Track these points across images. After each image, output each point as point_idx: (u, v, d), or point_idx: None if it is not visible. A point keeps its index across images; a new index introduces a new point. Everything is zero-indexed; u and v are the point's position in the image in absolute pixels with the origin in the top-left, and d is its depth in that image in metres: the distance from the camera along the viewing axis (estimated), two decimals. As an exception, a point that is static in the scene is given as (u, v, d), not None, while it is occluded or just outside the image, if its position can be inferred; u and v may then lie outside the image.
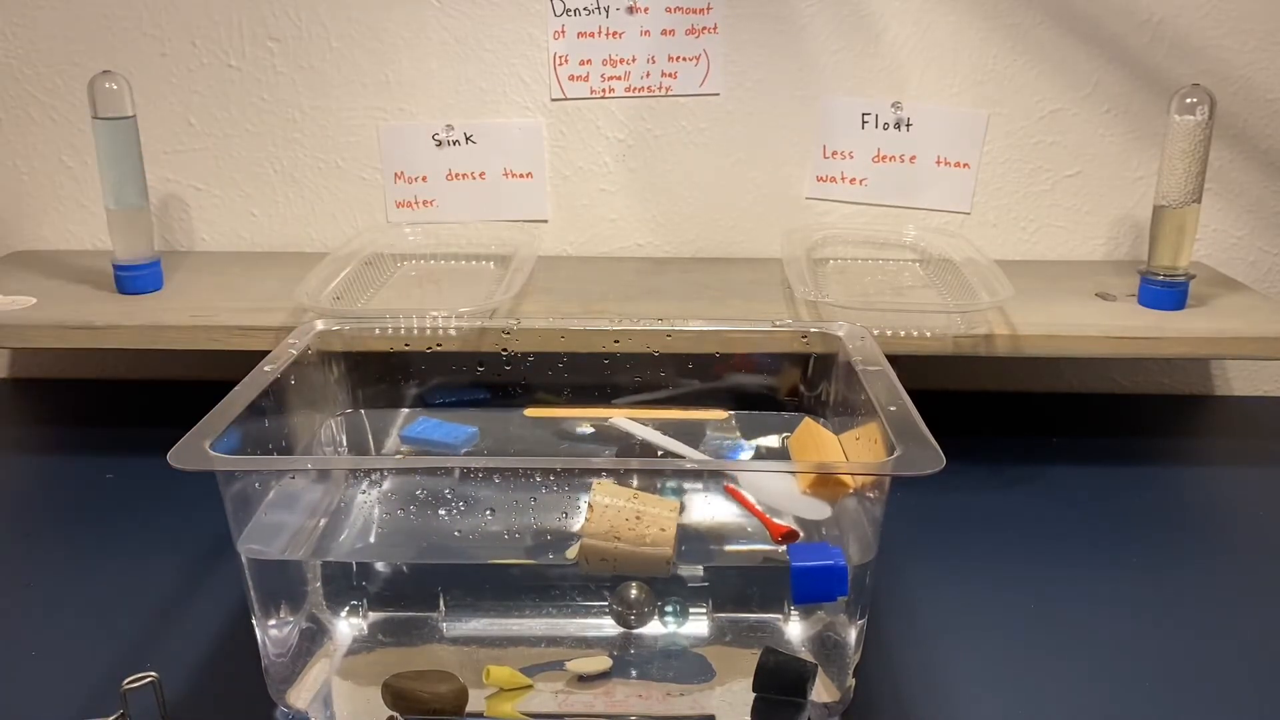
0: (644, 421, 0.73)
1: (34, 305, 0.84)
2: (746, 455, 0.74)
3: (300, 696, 0.57)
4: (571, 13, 0.96)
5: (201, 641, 0.62)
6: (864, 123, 0.99)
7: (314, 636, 0.58)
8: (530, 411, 0.75)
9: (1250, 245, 1.01)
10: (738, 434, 0.75)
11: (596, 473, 0.59)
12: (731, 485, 0.64)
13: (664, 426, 0.73)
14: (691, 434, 0.74)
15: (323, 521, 0.62)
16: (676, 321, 0.74)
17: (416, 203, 1.02)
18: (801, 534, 0.61)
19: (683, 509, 0.59)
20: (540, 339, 0.73)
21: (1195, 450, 0.94)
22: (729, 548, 0.63)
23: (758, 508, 0.62)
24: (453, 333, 0.74)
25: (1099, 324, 0.82)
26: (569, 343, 0.73)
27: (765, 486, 0.64)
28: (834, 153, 1.00)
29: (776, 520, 0.62)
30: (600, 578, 0.56)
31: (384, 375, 0.75)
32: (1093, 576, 0.70)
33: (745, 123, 0.99)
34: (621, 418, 0.74)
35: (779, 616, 0.59)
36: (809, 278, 0.85)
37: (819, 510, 0.62)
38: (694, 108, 0.99)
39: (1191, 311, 0.85)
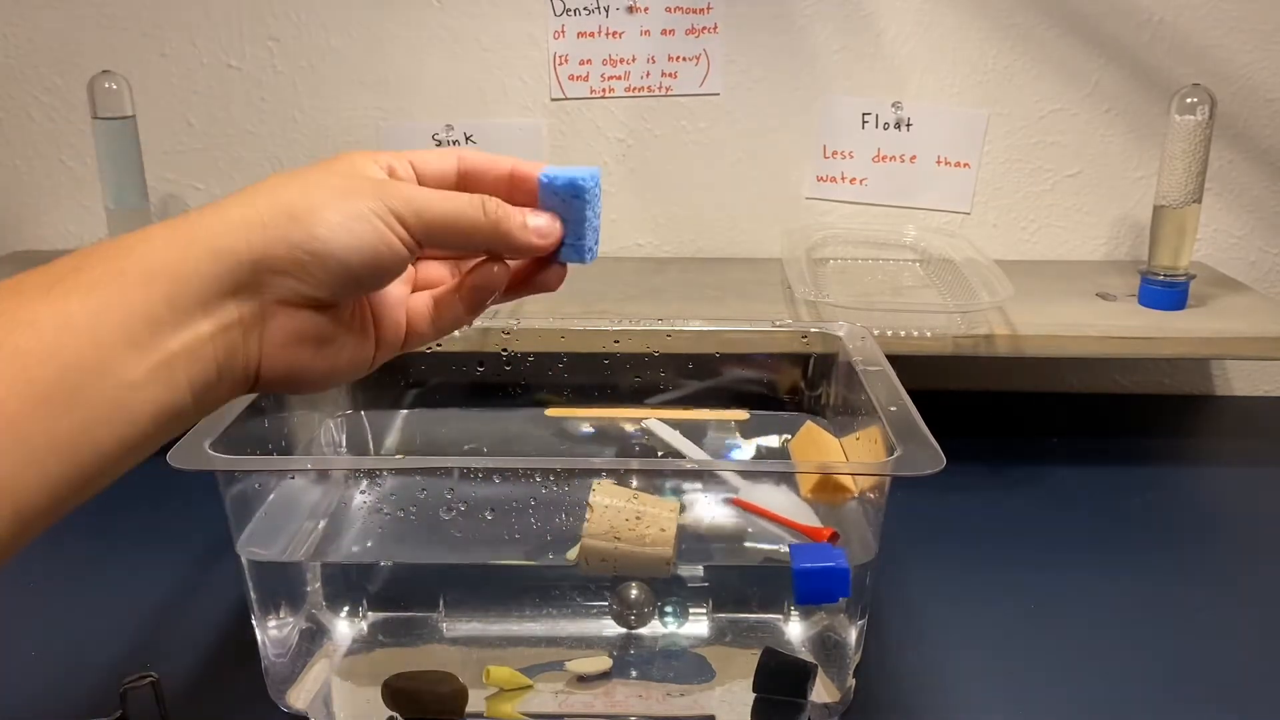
0: (669, 423, 0.73)
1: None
2: (748, 456, 0.74)
3: (300, 696, 0.57)
4: (571, 13, 0.96)
5: (201, 641, 0.62)
6: (864, 123, 0.99)
7: (314, 636, 0.58)
8: (552, 411, 0.75)
9: (1250, 245, 1.01)
10: (738, 435, 0.75)
11: (596, 473, 0.59)
12: (738, 498, 0.64)
13: (685, 431, 0.73)
14: (698, 434, 0.74)
15: (323, 522, 0.62)
16: (676, 321, 0.73)
17: (416, 203, 1.02)
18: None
19: (683, 509, 0.59)
20: (540, 339, 0.73)
21: (1195, 450, 0.94)
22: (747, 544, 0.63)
23: (781, 516, 0.62)
24: (454, 333, 0.74)
25: (1099, 324, 0.82)
26: (569, 343, 0.73)
27: (765, 496, 0.64)
28: (834, 153, 1.00)
29: (804, 523, 0.62)
30: (600, 578, 0.56)
31: (384, 375, 0.74)
32: (1093, 576, 0.70)
33: (745, 123, 0.99)
34: (654, 420, 0.74)
35: (779, 616, 0.59)
36: (809, 278, 0.85)
37: (818, 520, 0.62)
38: (694, 108, 0.99)
39: (1191, 311, 0.85)
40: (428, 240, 0.39)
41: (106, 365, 0.31)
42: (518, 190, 0.43)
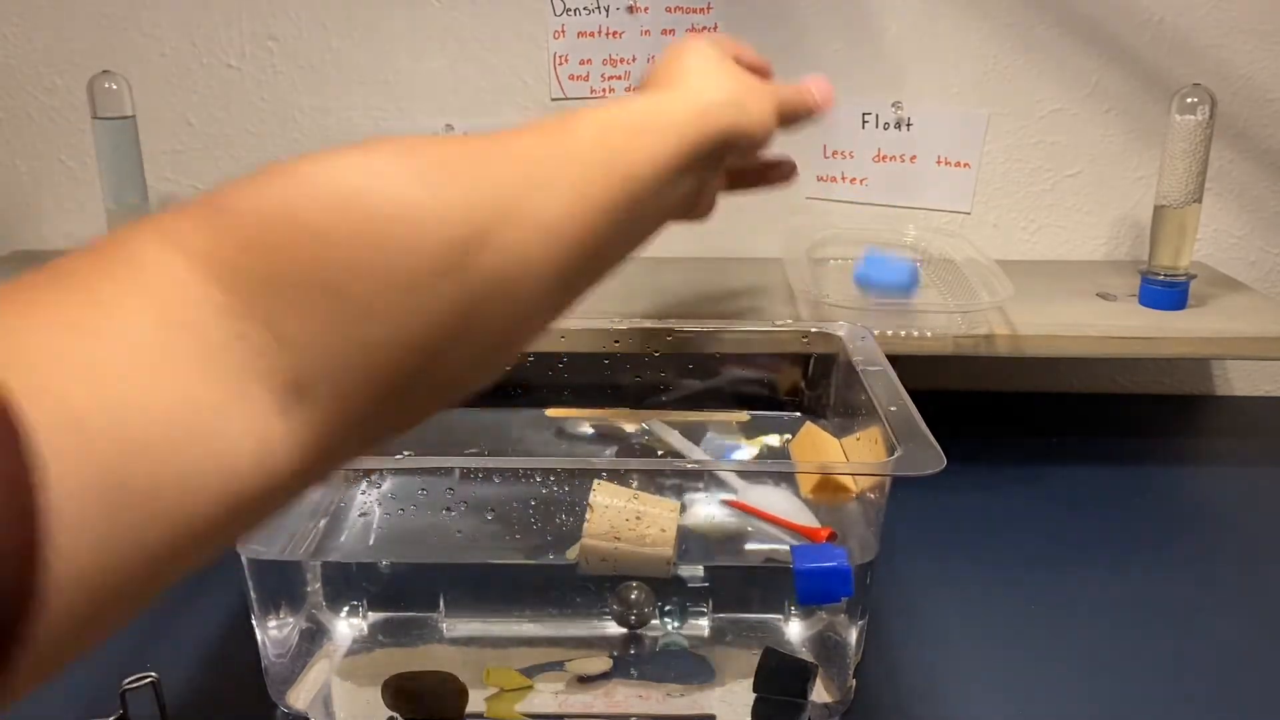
0: (669, 423, 0.73)
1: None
2: (748, 456, 0.74)
3: (300, 697, 0.57)
4: (571, 12, 0.96)
5: (201, 641, 0.62)
6: (864, 123, 0.99)
7: (314, 636, 0.58)
8: (552, 412, 0.75)
9: (1251, 245, 1.01)
10: (738, 435, 0.75)
11: (597, 473, 0.59)
12: (734, 499, 0.64)
13: (685, 432, 0.73)
14: (698, 434, 0.74)
15: (323, 522, 0.62)
16: (676, 321, 0.73)
17: (416, 203, 1.02)
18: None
19: (683, 509, 0.59)
20: (540, 339, 0.73)
21: (1195, 450, 0.94)
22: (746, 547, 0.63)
23: (778, 516, 0.62)
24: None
25: (1099, 324, 0.82)
26: (569, 343, 0.73)
27: (764, 497, 0.64)
28: (834, 153, 1.00)
29: (802, 524, 0.62)
30: (600, 578, 0.56)
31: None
32: (1092, 576, 0.70)
33: (745, 123, 0.99)
34: (654, 420, 0.74)
35: (779, 616, 0.59)
36: (809, 278, 0.85)
37: (816, 521, 0.62)
38: (694, 108, 0.99)
39: (1192, 311, 0.85)
40: (782, 125, 0.54)
41: (656, 194, 0.44)
42: None
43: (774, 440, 0.74)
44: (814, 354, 0.73)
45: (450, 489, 0.59)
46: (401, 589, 0.59)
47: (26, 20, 0.97)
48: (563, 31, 0.97)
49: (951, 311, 0.81)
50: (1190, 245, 0.85)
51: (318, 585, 0.59)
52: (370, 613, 0.59)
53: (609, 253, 0.42)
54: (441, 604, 0.58)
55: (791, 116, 0.56)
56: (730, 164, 0.53)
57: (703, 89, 0.49)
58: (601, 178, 0.39)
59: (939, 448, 0.52)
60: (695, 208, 0.54)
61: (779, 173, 0.66)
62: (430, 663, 0.56)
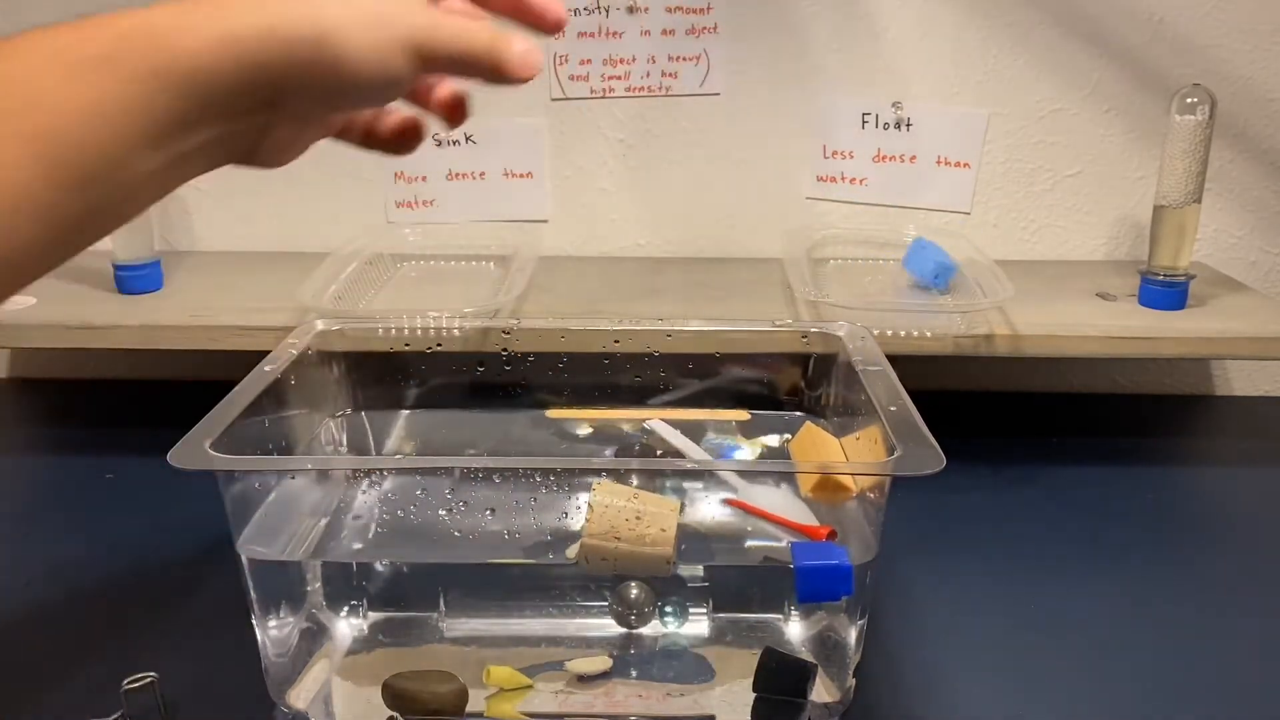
0: (669, 423, 0.74)
1: (34, 305, 0.84)
2: (748, 456, 0.74)
3: (300, 696, 0.57)
4: (572, 12, 0.96)
5: (201, 641, 0.62)
6: (864, 123, 0.99)
7: (314, 636, 0.58)
8: (553, 412, 0.75)
9: (1250, 245, 1.01)
10: (738, 435, 0.75)
11: (596, 473, 0.59)
12: (734, 498, 0.64)
13: (685, 431, 0.73)
14: (698, 434, 0.74)
15: (323, 521, 0.62)
16: (676, 321, 0.73)
17: (417, 203, 1.02)
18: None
19: (683, 509, 0.59)
20: (540, 339, 0.73)
21: (1195, 450, 0.94)
22: (748, 545, 0.63)
23: (777, 515, 0.62)
24: (455, 333, 0.74)
25: (1099, 324, 0.82)
26: (569, 343, 0.73)
27: (764, 496, 0.64)
28: (834, 153, 1.00)
29: (801, 523, 0.62)
30: (600, 577, 0.56)
31: (384, 375, 0.75)
32: (1093, 576, 0.70)
33: (745, 123, 0.99)
34: (655, 420, 0.74)
35: (779, 616, 0.59)
36: (809, 278, 0.85)
37: (816, 520, 0.62)
38: (694, 108, 0.99)
39: (1191, 311, 0.85)
40: (430, 70, 0.39)
41: (128, 159, 0.32)
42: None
43: (774, 440, 0.74)
44: (814, 354, 0.73)
45: (450, 489, 0.59)
46: (401, 589, 0.59)
47: (25, 20, 0.97)
48: (563, 31, 0.96)
49: (951, 311, 0.81)
50: (1190, 245, 0.85)
51: (318, 585, 0.59)
52: (370, 613, 0.59)
53: (25, 247, 0.30)
54: (441, 604, 0.58)
55: (455, 64, 0.39)
56: (316, 113, 0.38)
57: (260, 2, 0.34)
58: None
59: (938, 448, 0.52)
60: (255, 154, 0.38)
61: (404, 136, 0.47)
62: (430, 663, 0.56)
